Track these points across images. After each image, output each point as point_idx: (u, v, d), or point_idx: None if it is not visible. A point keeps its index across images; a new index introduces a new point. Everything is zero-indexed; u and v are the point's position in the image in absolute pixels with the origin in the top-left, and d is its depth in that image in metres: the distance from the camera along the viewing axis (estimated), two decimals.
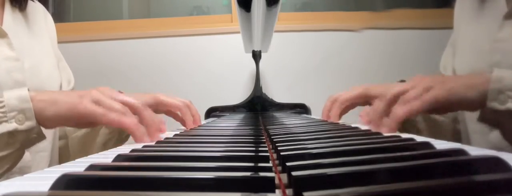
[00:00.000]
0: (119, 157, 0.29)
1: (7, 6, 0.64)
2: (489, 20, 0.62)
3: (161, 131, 0.52)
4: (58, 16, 1.73)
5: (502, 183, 0.17)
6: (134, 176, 0.22)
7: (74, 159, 0.33)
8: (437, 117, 0.69)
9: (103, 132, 0.67)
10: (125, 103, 0.48)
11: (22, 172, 0.55)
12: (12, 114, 0.44)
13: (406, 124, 0.69)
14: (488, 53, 0.58)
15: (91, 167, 0.25)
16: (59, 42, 0.76)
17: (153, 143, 0.42)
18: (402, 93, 0.49)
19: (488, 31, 0.61)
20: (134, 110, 0.48)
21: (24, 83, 0.57)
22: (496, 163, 0.21)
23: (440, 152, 0.27)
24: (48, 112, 0.46)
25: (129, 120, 0.46)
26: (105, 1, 1.86)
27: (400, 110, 0.48)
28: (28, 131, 0.45)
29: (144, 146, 0.37)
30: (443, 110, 0.54)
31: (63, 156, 0.70)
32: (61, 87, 0.69)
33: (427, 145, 0.30)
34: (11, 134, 0.44)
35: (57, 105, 0.46)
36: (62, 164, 0.31)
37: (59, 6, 1.75)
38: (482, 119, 0.50)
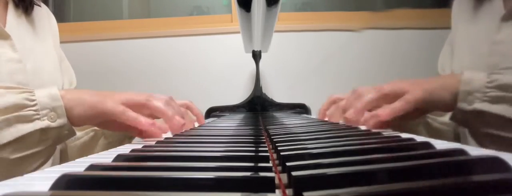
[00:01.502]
0: (119, 157, 0.29)
1: (11, 8, 0.64)
2: (487, 22, 0.62)
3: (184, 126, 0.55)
4: (58, 16, 1.72)
5: (502, 183, 0.17)
6: (134, 176, 0.22)
7: None
8: (439, 125, 0.70)
9: (102, 142, 0.68)
10: (145, 105, 0.51)
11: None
12: (44, 112, 0.45)
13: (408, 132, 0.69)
14: (486, 55, 0.59)
15: (91, 167, 0.25)
16: (59, 42, 0.76)
17: (153, 143, 0.42)
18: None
19: (485, 33, 0.61)
20: (155, 110, 0.51)
21: (27, 85, 0.57)
22: (496, 163, 0.21)
23: (440, 152, 0.27)
24: (76, 111, 0.48)
25: (144, 120, 0.49)
26: (105, 1, 1.86)
27: (383, 113, 0.49)
28: (59, 128, 0.47)
29: (144, 146, 0.37)
30: (420, 112, 0.55)
31: (62, 161, 0.70)
32: (62, 88, 0.70)
33: (427, 145, 0.30)
34: (44, 131, 0.46)
35: (83, 104, 0.48)
36: (62, 164, 0.31)
37: (59, 6, 1.75)
38: (453, 118, 0.51)
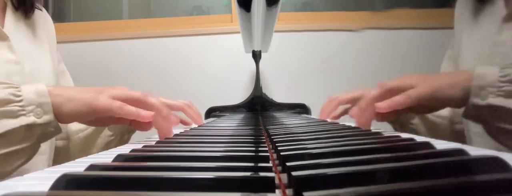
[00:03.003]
0: (119, 157, 0.29)
1: (9, 9, 0.63)
2: (488, 23, 0.62)
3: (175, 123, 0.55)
4: (58, 16, 1.73)
5: (502, 183, 0.17)
6: (134, 176, 0.22)
7: (74, 160, 0.33)
8: (435, 119, 0.70)
9: (105, 134, 0.68)
10: (141, 100, 0.51)
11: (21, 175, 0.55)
12: (30, 107, 0.45)
13: (405, 127, 0.69)
14: (489, 56, 0.59)
15: (91, 167, 0.25)
16: (59, 42, 0.76)
17: (153, 143, 0.42)
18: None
19: (487, 34, 0.61)
20: (150, 107, 0.51)
21: None
22: (496, 163, 0.21)
23: (440, 152, 0.27)
24: (65, 107, 0.47)
25: (145, 112, 0.49)
26: (105, 1, 1.86)
27: (381, 104, 0.50)
28: (45, 124, 0.46)
29: (144, 146, 0.37)
30: (429, 108, 0.55)
31: (63, 157, 0.70)
32: None
33: (427, 145, 0.30)
34: (29, 127, 0.45)
35: (74, 100, 0.47)
36: (62, 164, 0.31)
37: (59, 6, 1.75)
38: (466, 115, 0.51)
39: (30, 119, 0.44)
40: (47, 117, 0.46)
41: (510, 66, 0.47)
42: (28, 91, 0.45)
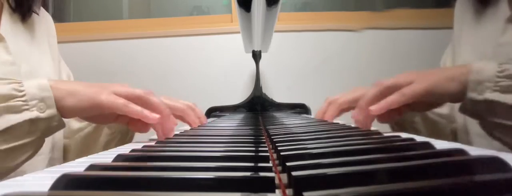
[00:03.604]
0: (119, 157, 0.29)
1: (6, 10, 0.63)
2: (492, 24, 0.61)
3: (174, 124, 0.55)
4: (58, 16, 1.73)
5: (502, 183, 0.17)
6: (134, 176, 0.22)
7: (75, 158, 0.33)
8: (435, 117, 0.70)
9: (105, 132, 0.67)
10: (143, 99, 0.50)
11: (18, 175, 0.55)
12: (33, 102, 0.45)
13: (406, 125, 0.69)
14: (491, 57, 0.58)
15: (91, 167, 0.25)
16: (59, 42, 0.76)
17: (153, 143, 0.42)
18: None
19: (490, 34, 0.61)
20: (152, 106, 0.50)
21: None
22: (496, 163, 0.21)
23: (440, 152, 0.27)
24: (67, 102, 0.47)
25: (150, 113, 0.49)
26: (105, 1, 1.86)
27: (374, 107, 0.51)
28: (49, 119, 0.46)
29: (144, 146, 0.37)
30: (428, 104, 0.55)
31: (64, 155, 0.70)
32: None
33: (427, 145, 0.30)
34: (33, 122, 0.45)
35: (76, 95, 0.47)
36: (62, 164, 0.31)
37: (59, 6, 1.75)
38: (462, 110, 0.51)
39: (33, 113, 0.45)
40: (50, 112, 0.46)
41: (508, 62, 0.47)
42: (31, 86, 0.45)
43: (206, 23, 1.64)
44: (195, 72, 1.57)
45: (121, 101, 0.48)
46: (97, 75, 1.52)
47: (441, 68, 0.58)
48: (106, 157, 0.34)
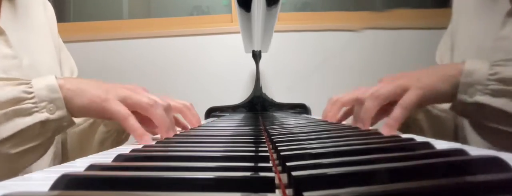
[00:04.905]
0: (119, 157, 0.29)
1: (5, 2, 0.63)
2: (491, 17, 0.61)
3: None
4: (58, 16, 1.72)
5: (502, 183, 0.17)
6: (134, 176, 0.22)
7: (71, 155, 0.33)
8: (438, 112, 0.69)
9: (101, 130, 0.67)
10: (148, 111, 0.49)
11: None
12: (43, 104, 0.45)
13: (409, 123, 0.69)
14: (490, 51, 0.58)
15: (91, 167, 0.25)
16: (57, 31, 0.76)
17: (153, 143, 0.42)
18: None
19: (490, 28, 0.60)
20: (154, 119, 0.50)
21: None
22: (496, 163, 0.21)
23: (440, 152, 0.27)
24: (76, 102, 0.47)
25: (142, 133, 0.47)
26: (105, 1, 1.86)
27: (388, 130, 0.48)
28: (59, 119, 0.46)
29: (144, 146, 0.37)
30: (421, 106, 0.55)
31: (62, 152, 0.70)
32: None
33: (427, 145, 0.30)
34: (43, 123, 0.45)
35: (85, 95, 0.47)
36: (62, 164, 0.31)
37: (59, 6, 1.75)
38: (453, 109, 0.51)
39: (43, 115, 0.44)
40: (60, 113, 0.46)
41: (500, 64, 0.47)
42: (40, 87, 0.45)
43: (206, 23, 1.64)
44: (195, 72, 1.57)
45: (123, 113, 0.47)
46: (97, 75, 1.51)
47: (434, 67, 0.58)
48: (106, 157, 0.34)
